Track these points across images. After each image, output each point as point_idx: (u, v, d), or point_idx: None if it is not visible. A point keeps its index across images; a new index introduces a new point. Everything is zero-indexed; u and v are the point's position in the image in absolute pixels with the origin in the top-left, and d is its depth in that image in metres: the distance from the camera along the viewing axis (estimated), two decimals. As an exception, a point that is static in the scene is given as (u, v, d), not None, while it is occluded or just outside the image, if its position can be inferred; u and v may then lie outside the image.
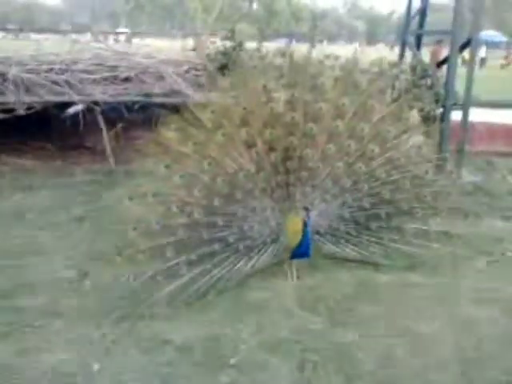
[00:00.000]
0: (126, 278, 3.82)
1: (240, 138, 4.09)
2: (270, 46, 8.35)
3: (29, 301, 3.80)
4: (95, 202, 5.84)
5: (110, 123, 7.23)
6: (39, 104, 6.33)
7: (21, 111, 6.17)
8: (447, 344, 3.44)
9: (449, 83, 7.24)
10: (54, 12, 77.70)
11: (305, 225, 4.07)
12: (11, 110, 6.14)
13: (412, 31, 8.35)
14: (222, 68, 7.20)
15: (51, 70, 6.78)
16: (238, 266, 4.16)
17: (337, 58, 8.08)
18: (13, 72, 6.34)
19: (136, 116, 7.57)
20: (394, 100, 7.22)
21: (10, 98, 6.13)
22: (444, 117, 7.34)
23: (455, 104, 7.41)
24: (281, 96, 4.25)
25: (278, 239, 4.31)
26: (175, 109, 4.94)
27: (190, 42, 11.28)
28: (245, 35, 11.63)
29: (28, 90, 6.33)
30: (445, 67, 7.90)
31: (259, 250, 4.28)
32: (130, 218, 3.93)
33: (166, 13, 43.52)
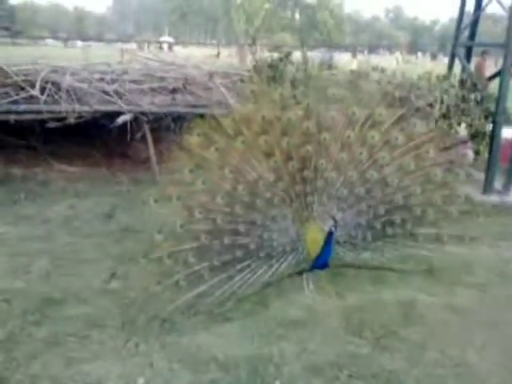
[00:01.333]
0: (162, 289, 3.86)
1: (259, 146, 4.14)
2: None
3: (75, 310, 3.84)
4: (139, 209, 5.90)
5: (157, 133, 7.34)
6: (89, 113, 6.48)
7: (72, 120, 6.32)
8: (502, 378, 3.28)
9: (500, 98, 7.03)
10: (100, 21, 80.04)
11: (330, 234, 4.08)
12: (63, 119, 6.30)
13: (461, 43, 8.16)
14: (269, 80, 7.19)
15: (102, 79, 6.95)
16: (259, 273, 4.17)
17: (383, 70, 8.00)
18: (66, 81, 6.52)
19: (182, 126, 7.64)
20: (443, 115, 7.09)
21: (63, 106, 6.29)
22: (494, 133, 7.12)
23: (506, 120, 7.19)
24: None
25: (298, 248, 4.32)
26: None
27: (231, 52, 11.39)
28: (287, 45, 11.62)
29: (79, 100, 6.48)
30: (495, 81, 7.70)
31: (279, 259, 4.30)
32: (158, 223, 4.04)
33: (209, 23, 44.10)
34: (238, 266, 4.10)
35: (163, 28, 57.85)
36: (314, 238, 4.21)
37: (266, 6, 37.51)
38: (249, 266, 4.15)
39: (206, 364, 3.30)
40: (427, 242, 4.53)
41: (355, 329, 3.79)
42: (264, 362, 3.35)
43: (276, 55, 7.35)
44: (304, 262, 4.29)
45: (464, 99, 7.18)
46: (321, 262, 4.20)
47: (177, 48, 47.36)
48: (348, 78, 7.57)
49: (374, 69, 7.81)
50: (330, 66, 7.82)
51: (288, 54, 7.36)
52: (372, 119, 4.36)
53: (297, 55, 8.25)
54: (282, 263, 4.29)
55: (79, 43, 41.80)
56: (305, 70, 7.18)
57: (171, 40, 56.43)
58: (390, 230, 4.48)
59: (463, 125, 7.29)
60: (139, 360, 3.32)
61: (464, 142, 7.18)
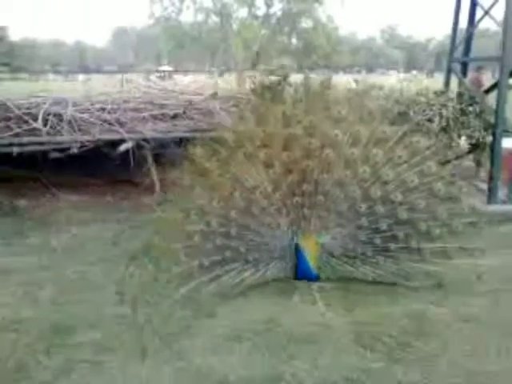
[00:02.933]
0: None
1: (259, 158, 4.40)
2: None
3: (85, 336, 3.82)
4: (143, 236, 5.92)
5: (159, 159, 7.40)
6: (92, 142, 6.56)
7: (74, 150, 6.40)
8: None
9: (499, 109, 7.10)
10: (100, 54, 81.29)
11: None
12: (66, 149, 6.38)
13: (456, 58, 8.27)
14: (268, 102, 7.27)
15: (103, 109, 7.05)
16: (244, 275, 4.44)
17: (381, 88, 8.10)
18: (69, 112, 6.62)
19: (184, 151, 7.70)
20: (443, 129, 7.15)
21: (66, 137, 6.38)
22: (494, 144, 7.16)
23: (506, 131, 7.24)
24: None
25: (287, 257, 4.58)
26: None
27: (230, 78, 11.58)
28: (284, 68, 11.78)
29: (81, 130, 6.57)
30: (492, 94, 7.77)
31: (266, 264, 4.55)
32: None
33: (207, 50, 44.67)
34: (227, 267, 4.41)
35: (163, 57, 58.75)
36: (311, 249, 4.50)
37: (263, 31, 38.02)
38: (236, 267, 4.45)
39: (219, 386, 3.27)
40: (434, 256, 4.57)
41: (367, 343, 3.76)
42: (276, 382, 3.32)
43: (274, 78, 7.46)
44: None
45: (463, 112, 7.25)
46: (303, 273, 4.52)
47: (177, 76, 48.05)
48: (348, 95, 7.68)
49: (372, 86, 7.90)
50: (329, 86, 7.88)
51: (286, 76, 7.47)
52: (375, 136, 4.47)
53: (295, 77, 8.35)
54: (269, 269, 4.56)
55: (80, 76, 42.43)
56: (307, 88, 7.26)
57: (170, 69, 57.25)
58: (392, 245, 4.54)
59: (463, 137, 7.34)
60: (150, 385, 3.30)
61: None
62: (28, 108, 6.72)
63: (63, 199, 7.13)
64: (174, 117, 7.19)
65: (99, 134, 6.61)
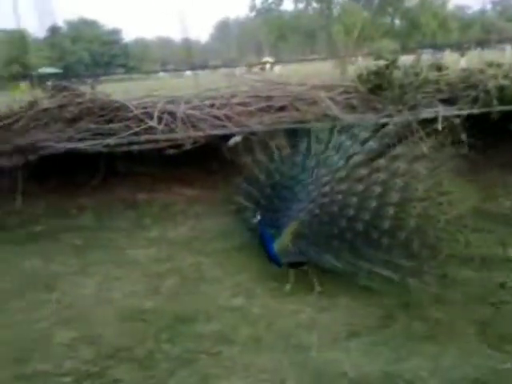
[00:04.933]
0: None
1: None
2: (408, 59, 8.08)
3: (205, 327, 3.99)
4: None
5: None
6: (203, 138, 6.77)
7: (188, 146, 6.66)
8: None
9: None
10: (204, 49, 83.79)
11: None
12: (180, 145, 6.66)
13: None
14: (375, 88, 7.04)
15: (213, 105, 7.25)
16: None
17: (499, 65, 7.49)
18: (181, 110, 6.90)
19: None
20: None
21: (179, 134, 6.66)
22: None
23: None
24: None
25: None
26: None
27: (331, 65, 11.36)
28: (387, 51, 11.33)
29: (193, 126, 6.81)
30: None
31: None
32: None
33: (308, 39, 44.43)
34: None
35: (264, 49, 59.36)
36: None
37: (364, 14, 36.97)
38: None
39: (337, 381, 3.25)
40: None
41: (493, 342, 3.54)
42: (396, 379, 3.22)
43: (381, 62, 7.19)
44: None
45: None
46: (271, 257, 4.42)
47: (278, 67, 48.31)
48: (461, 76, 7.22)
49: (489, 64, 7.34)
50: (440, 67, 7.46)
51: (394, 60, 7.16)
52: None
53: (402, 60, 7.99)
54: None
55: (187, 73, 44.10)
56: (415, 73, 6.93)
57: (271, 60, 57.72)
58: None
59: None
60: (268, 377, 3.35)
61: None
62: (144, 107, 7.09)
63: (178, 193, 7.45)
64: (280, 108, 7.20)
65: (210, 130, 6.81)
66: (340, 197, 4.33)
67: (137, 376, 3.45)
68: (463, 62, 16.46)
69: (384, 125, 5.82)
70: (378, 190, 4.27)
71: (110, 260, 5.47)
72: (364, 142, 4.67)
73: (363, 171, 4.41)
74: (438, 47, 37.87)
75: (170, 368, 3.50)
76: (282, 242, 4.39)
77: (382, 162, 4.43)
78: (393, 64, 7.07)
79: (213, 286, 4.72)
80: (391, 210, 4.17)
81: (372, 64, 7.44)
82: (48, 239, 6.19)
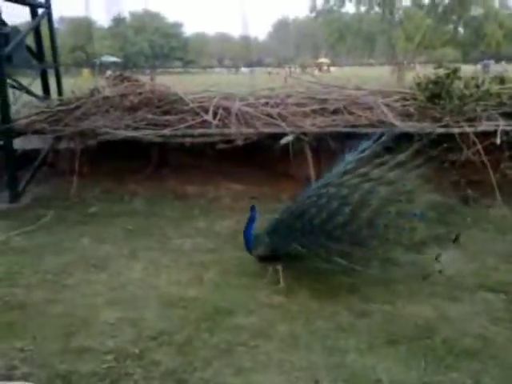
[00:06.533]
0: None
1: None
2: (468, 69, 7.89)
3: (243, 320, 4.07)
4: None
5: (314, 152, 7.48)
6: (255, 135, 6.88)
7: (240, 142, 6.78)
8: None
9: None
10: (262, 47, 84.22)
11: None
12: (232, 141, 6.79)
13: None
14: (433, 97, 6.93)
15: (267, 103, 7.35)
16: None
17: None
18: (236, 106, 7.03)
19: (339, 146, 7.68)
20: None
21: (232, 129, 6.79)
22: None
23: None
24: None
25: None
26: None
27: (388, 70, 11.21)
28: (448, 59, 11.08)
29: (247, 123, 6.93)
30: None
31: None
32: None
33: (367, 43, 43.82)
34: None
35: (321, 51, 59.10)
36: None
37: (427, 21, 36.11)
38: None
39: None
40: None
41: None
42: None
43: (442, 71, 7.06)
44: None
45: None
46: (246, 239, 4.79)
47: (334, 69, 48.02)
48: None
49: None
50: (503, 80, 7.25)
51: (456, 70, 7.02)
52: None
53: (463, 70, 7.82)
54: None
55: (243, 69, 44.60)
56: (476, 85, 6.78)
57: (328, 61, 57.42)
58: None
59: None
60: (303, 375, 3.39)
61: None
62: (200, 102, 7.27)
63: (226, 188, 7.59)
64: (334, 112, 7.20)
65: (262, 128, 6.90)
66: (315, 198, 4.62)
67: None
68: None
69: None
70: (344, 191, 4.54)
71: (157, 247, 5.65)
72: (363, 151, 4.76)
73: (345, 177, 4.64)
74: (501, 58, 36.62)
75: (208, 357, 3.56)
76: (260, 233, 4.79)
77: (363, 169, 4.64)
78: (454, 74, 6.94)
79: (253, 281, 4.78)
80: (347, 209, 4.46)
81: (432, 72, 7.32)
82: (101, 222, 6.46)
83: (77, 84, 9.50)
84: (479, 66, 27.88)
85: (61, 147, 7.40)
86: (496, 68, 26.43)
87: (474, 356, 3.57)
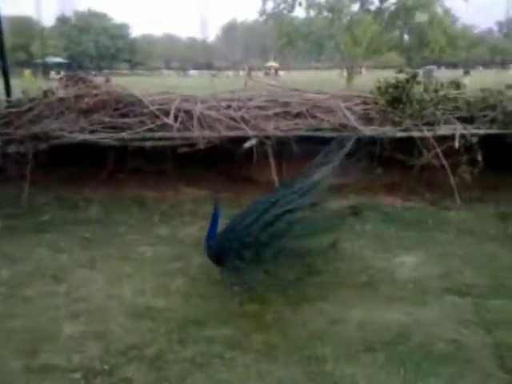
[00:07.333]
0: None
1: None
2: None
3: (216, 331, 3.91)
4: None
5: (277, 156, 7.42)
6: (217, 139, 6.73)
7: (201, 146, 6.62)
8: None
9: None
10: (209, 50, 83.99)
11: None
12: (193, 145, 6.62)
13: None
14: (394, 101, 7.03)
15: (229, 106, 7.22)
16: None
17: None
18: (197, 109, 6.86)
19: (301, 149, 7.65)
20: None
21: (195, 133, 6.61)
22: None
23: None
24: None
25: None
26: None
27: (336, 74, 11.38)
28: (392, 64, 11.38)
29: (209, 126, 6.78)
30: None
31: None
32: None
33: (316, 47, 44.49)
34: None
35: (270, 54, 59.48)
36: None
37: (374, 27, 37.07)
38: None
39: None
40: None
41: (510, 366, 3.48)
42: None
43: (401, 76, 7.18)
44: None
45: None
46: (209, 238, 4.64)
47: (283, 73, 48.44)
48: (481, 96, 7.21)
49: (508, 86, 7.35)
50: (459, 85, 7.46)
51: (415, 75, 7.16)
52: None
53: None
54: None
55: (191, 72, 44.23)
56: (435, 90, 6.93)
57: (276, 65, 57.83)
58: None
59: None
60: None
61: None
62: (160, 104, 7.05)
63: (186, 193, 7.39)
64: (297, 115, 7.17)
65: (225, 131, 6.77)
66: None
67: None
68: (467, 81, 16.50)
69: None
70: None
71: (118, 256, 5.40)
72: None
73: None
74: (443, 64, 38.09)
75: (183, 371, 3.42)
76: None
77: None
78: (413, 78, 7.07)
79: (222, 290, 4.62)
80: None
81: (392, 77, 7.43)
82: (55, 230, 6.12)
83: (22, 85, 9.05)
84: (421, 72, 28.82)
85: (11, 151, 6.97)
86: (439, 73, 27.42)
87: (449, 361, 3.58)
